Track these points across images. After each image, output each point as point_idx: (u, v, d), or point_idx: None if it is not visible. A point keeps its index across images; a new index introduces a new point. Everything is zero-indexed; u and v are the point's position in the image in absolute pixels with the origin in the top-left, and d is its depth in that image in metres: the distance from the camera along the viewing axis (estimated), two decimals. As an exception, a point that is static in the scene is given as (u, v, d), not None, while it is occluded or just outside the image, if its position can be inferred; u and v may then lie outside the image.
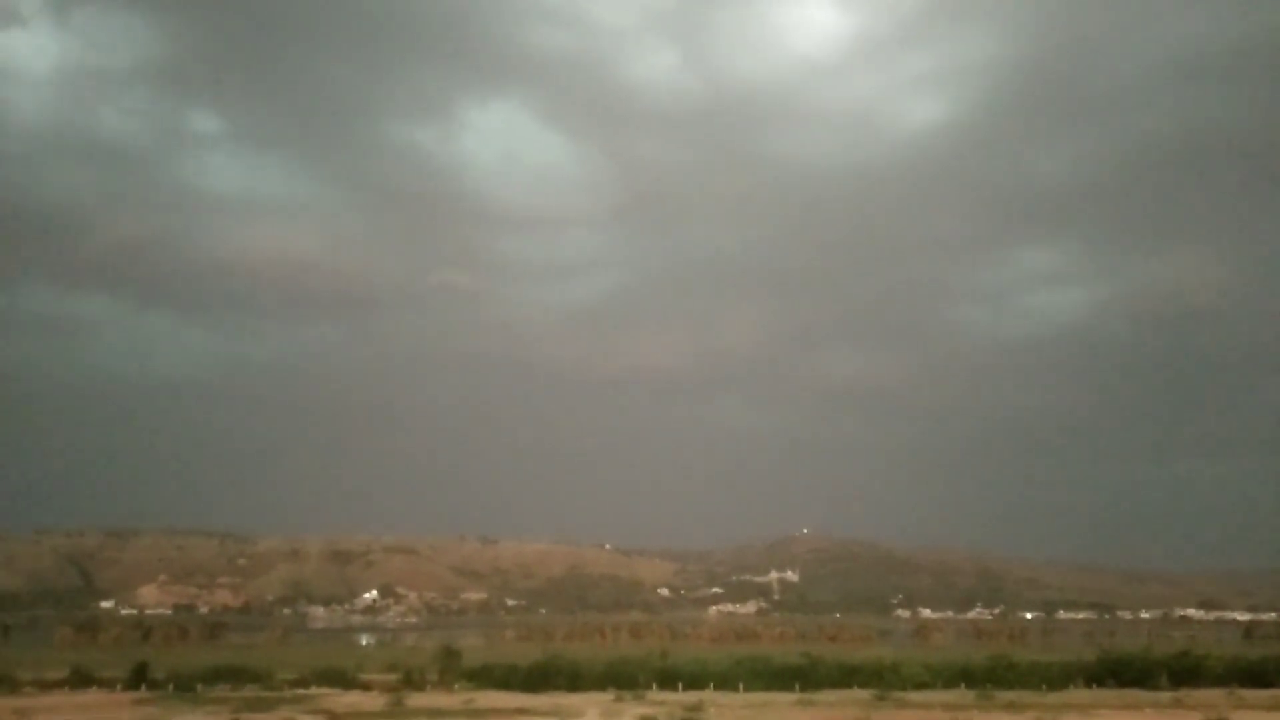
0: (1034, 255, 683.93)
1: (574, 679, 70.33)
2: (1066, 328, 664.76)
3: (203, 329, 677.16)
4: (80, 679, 71.23)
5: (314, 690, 67.06)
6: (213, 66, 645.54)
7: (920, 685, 69.88)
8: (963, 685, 69.50)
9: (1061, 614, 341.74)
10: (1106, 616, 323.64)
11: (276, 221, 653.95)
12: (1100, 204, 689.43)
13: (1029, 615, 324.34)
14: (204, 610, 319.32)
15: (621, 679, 69.96)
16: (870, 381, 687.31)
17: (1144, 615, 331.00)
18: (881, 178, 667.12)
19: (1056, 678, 72.54)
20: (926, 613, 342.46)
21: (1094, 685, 71.78)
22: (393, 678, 73.37)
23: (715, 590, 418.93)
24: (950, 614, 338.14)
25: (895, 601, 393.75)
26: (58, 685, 69.61)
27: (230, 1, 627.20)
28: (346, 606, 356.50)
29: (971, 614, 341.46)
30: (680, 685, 68.38)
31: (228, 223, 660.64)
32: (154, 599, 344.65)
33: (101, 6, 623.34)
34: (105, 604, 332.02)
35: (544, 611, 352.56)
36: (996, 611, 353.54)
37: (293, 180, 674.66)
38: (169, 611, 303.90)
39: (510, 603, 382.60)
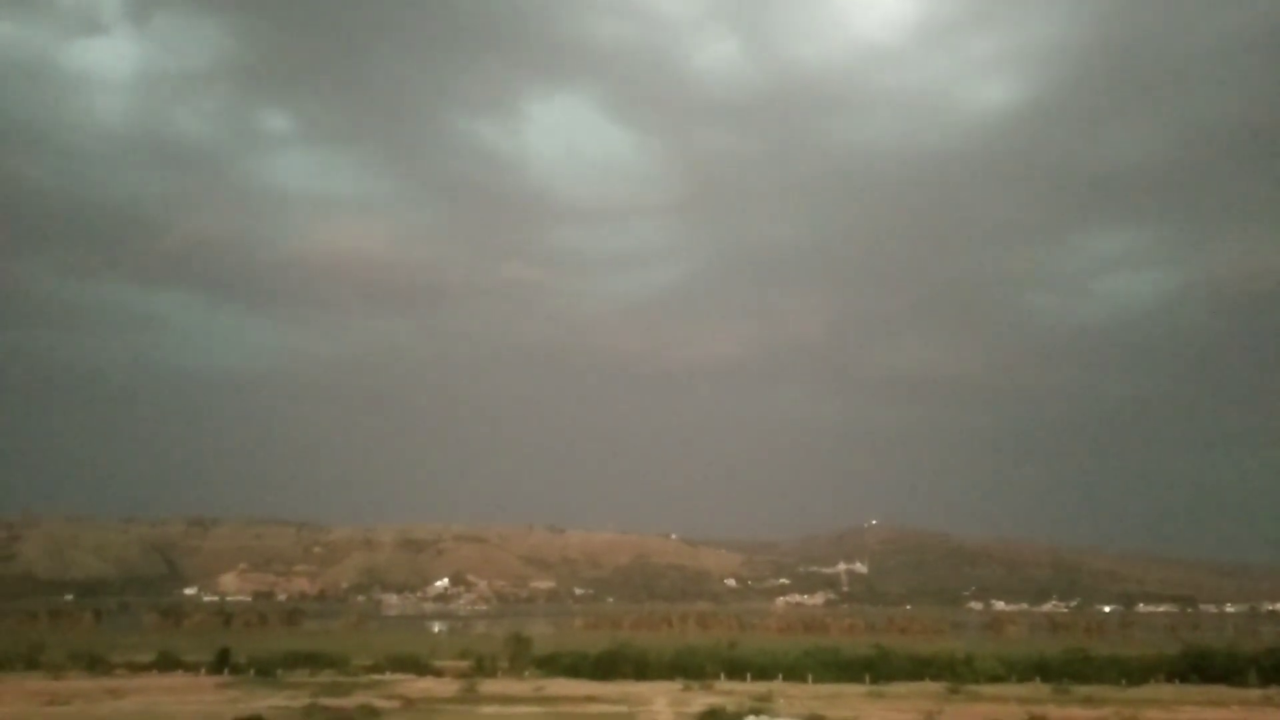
0: (1107, 239, 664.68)
1: (642, 668, 70.67)
2: (1141, 312, 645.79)
3: (276, 324, 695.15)
4: (167, 662, 73.77)
5: (389, 676, 68.48)
6: (283, 66, 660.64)
7: (994, 678, 68.70)
8: (1038, 679, 68.12)
9: (1141, 607, 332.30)
10: (1189, 610, 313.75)
11: (346, 217, 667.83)
12: (1175, 185, 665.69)
13: (1106, 608, 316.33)
14: (282, 597, 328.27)
15: (689, 668, 70.11)
16: (939, 370, 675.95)
17: (1229, 609, 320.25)
18: (949, 163, 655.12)
19: (1136, 672, 70.62)
20: (999, 605, 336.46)
21: (1177, 681, 69.71)
22: (464, 664, 74.53)
23: (782, 581, 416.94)
24: (1024, 606, 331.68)
25: (967, 593, 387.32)
26: (146, 668, 72.24)
27: (300, 2, 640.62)
28: (419, 594, 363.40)
29: (1046, 607, 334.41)
30: (748, 675, 68.26)
31: (298, 219, 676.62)
32: (234, 586, 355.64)
33: (177, 11, 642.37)
34: (189, 591, 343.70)
35: (611, 601, 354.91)
36: (1072, 604, 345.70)
37: (361, 176, 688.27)
38: (248, 598, 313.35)
39: (578, 591, 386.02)
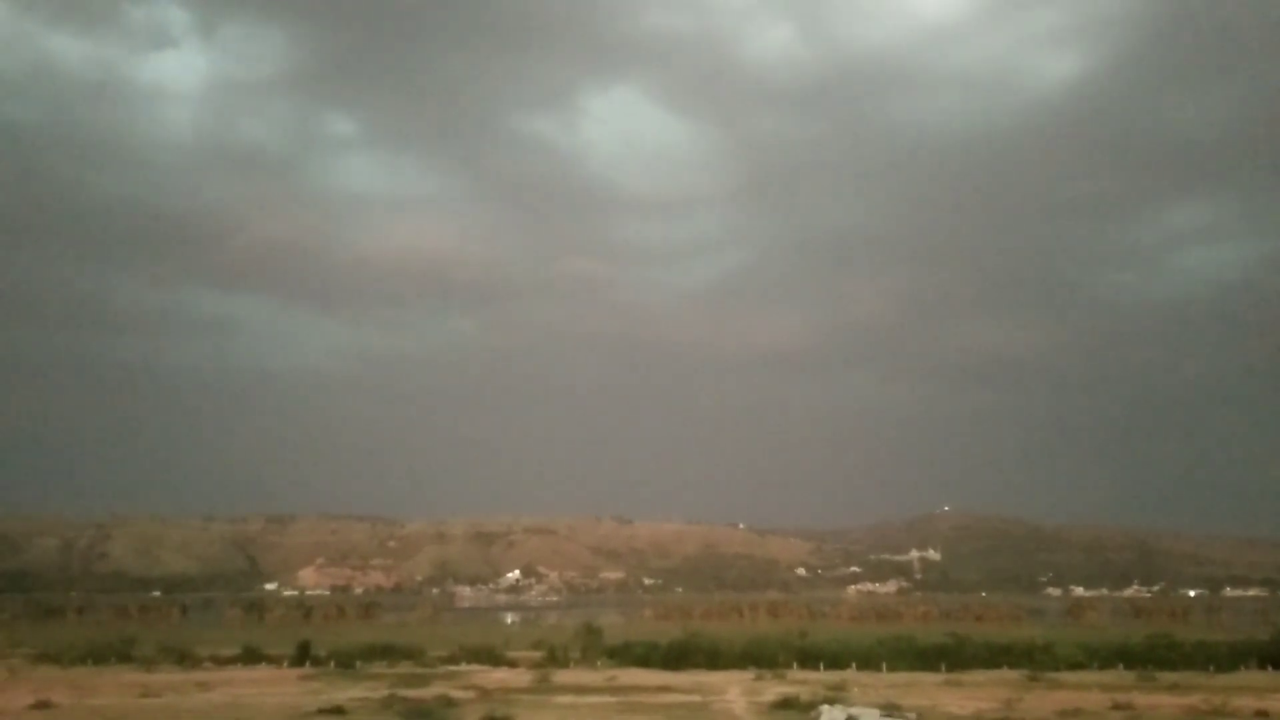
0: (1184, 212, 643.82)
1: (713, 657, 70.57)
2: (1221, 287, 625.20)
3: (347, 323, 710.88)
4: (250, 655, 75.91)
5: (464, 667, 69.49)
6: (346, 71, 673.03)
7: (1075, 666, 67.07)
8: (1121, 666, 66.31)
9: (1228, 591, 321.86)
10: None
11: (410, 217, 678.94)
12: (1254, 154, 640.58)
13: (1191, 593, 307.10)
14: (358, 591, 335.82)
15: (761, 658, 69.80)
16: (1011, 352, 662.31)
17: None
18: (1015, 140, 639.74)
19: (1225, 659, 68.25)
20: (1079, 590, 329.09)
21: (1269, 667, 67.24)
22: (537, 655, 75.26)
23: (853, 569, 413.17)
24: (1104, 592, 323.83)
25: (1044, 579, 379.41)
26: (232, 661, 74.40)
27: (360, 7, 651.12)
28: (490, 586, 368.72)
29: (1128, 592, 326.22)
30: (821, 665, 67.69)
31: (365, 221, 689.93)
32: (312, 580, 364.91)
33: (243, 21, 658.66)
34: (269, 586, 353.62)
35: (680, 590, 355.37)
36: (1155, 589, 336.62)
37: (424, 176, 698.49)
38: (327, 592, 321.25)
39: (647, 582, 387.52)
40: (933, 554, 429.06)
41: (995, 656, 69.96)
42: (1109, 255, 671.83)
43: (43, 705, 43.55)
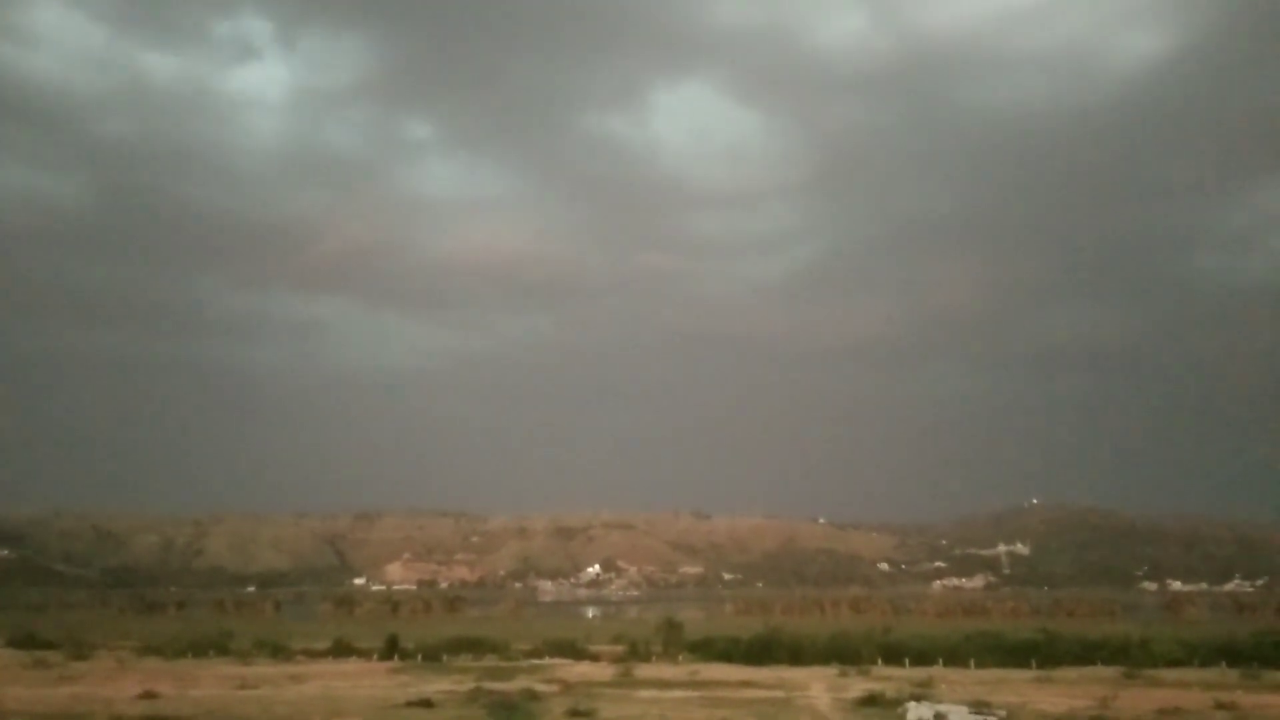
0: (1274, 192, 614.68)
1: (795, 653, 70.04)
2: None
3: (427, 323, 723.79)
4: (341, 649, 78.09)
5: (547, 660, 70.30)
6: (422, 77, 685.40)
7: (1173, 663, 64.76)
8: (1223, 664, 63.77)
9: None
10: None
11: (487, 218, 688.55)
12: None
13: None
14: (443, 585, 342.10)
15: (844, 654, 69.06)
16: (1101, 338, 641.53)
17: None
18: (1100, 120, 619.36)
19: (1338, 657, 65.10)
20: (1176, 585, 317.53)
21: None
22: (619, 649, 75.72)
23: (938, 564, 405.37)
24: (1203, 586, 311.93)
25: (1139, 574, 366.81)
26: (323, 654, 76.65)
27: (433, 12, 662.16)
28: (571, 580, 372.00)
29: (1229, 586, 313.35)
30: (906, 661, 66.64)
31: (444, 223, 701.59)
32: (399, 575, 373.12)
33: (322, 32, 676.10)
34: (358, 580, 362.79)
35: (760, 586, 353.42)
36: (1259, 583, 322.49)
37: (500, 178, 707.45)
38: (413, 586, 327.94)
39: (726, 577, 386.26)
40: (1021, 548, 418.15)
41: (1088, 653, 68.01)
42: (1198, 237, 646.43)
43: (149, 695, 45.43)
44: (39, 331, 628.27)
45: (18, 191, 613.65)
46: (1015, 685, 52.05)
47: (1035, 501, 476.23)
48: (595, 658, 71.83)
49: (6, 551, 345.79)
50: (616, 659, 68.71)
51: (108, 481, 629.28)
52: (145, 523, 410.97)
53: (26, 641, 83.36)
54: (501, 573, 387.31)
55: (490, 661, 69.34)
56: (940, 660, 66.35)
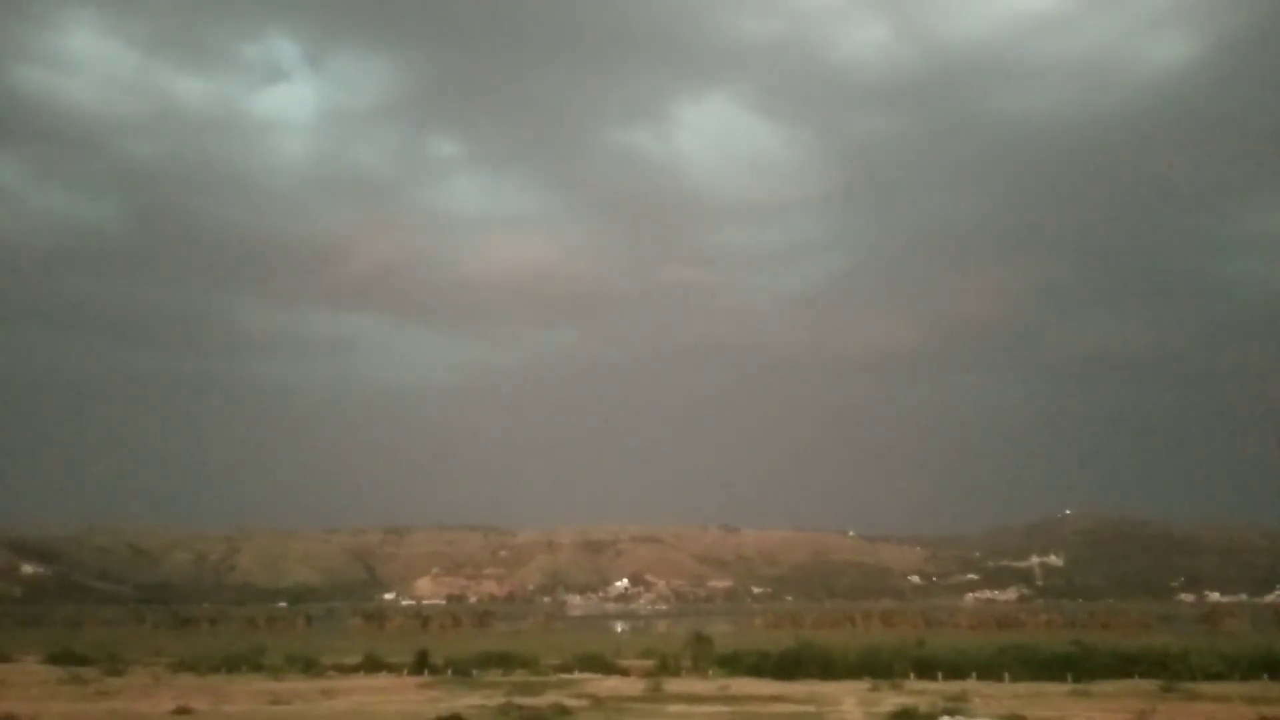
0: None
1: (826, 667, 69.39)
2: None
3: (454, 339, 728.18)
4: (372, 664, 78.36)
5: (576, 675, 70.17)
6: (447, 95, 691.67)
7: (1213, 676, 63.49)
8: (1265, 676, 62.50)
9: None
10: None
11: (513, 234, 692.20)
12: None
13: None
14: (473, 600, 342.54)
15: (876, 667, 68.34)
16: (1133, 346, 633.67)
17: None
18: (1127, 127, 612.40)
19: (1384, 670, 63.65)
20: (1215, 596, 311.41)
21: None
22: (648, 664, 75.43)
23: (970, 576, 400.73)
24: (1243, 598, 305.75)
25: (1176, 585, 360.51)
26: (354, 669, 76.94)
27: (457, 31, 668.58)
28: (600, 594, 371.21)
29: (1269, 597, 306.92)
30: (939, 674, 65.87)
31: (471, 239, 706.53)
32: (428, 590, 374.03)
33: (349, 52, 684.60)
34: (388, 595, 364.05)
35: (790, 599, 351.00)
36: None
37: (525, 193, 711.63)
38: (442, 601, 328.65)
39: (755, 590, 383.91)
40: (1055, 559, 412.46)
41: (1125, 666, 66.86)
42: (1227, 243, 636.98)
43: (183, 711, 45.83)
44: (73, 351, 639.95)
45: (57, 214, 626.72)
46: (1051, 699, 51.33)
47: (1069, 512, 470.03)
48: (625, 672, 71.61)
49: (43, 568, 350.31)
50: (646, 673, 68.47)
51: (142, 498, 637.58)
52: (178, 539, 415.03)
53: (63, 657, 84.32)
54: (530, 587, 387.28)
55: (520, 676, 69.29)
56: (974, 674, 65.52)
